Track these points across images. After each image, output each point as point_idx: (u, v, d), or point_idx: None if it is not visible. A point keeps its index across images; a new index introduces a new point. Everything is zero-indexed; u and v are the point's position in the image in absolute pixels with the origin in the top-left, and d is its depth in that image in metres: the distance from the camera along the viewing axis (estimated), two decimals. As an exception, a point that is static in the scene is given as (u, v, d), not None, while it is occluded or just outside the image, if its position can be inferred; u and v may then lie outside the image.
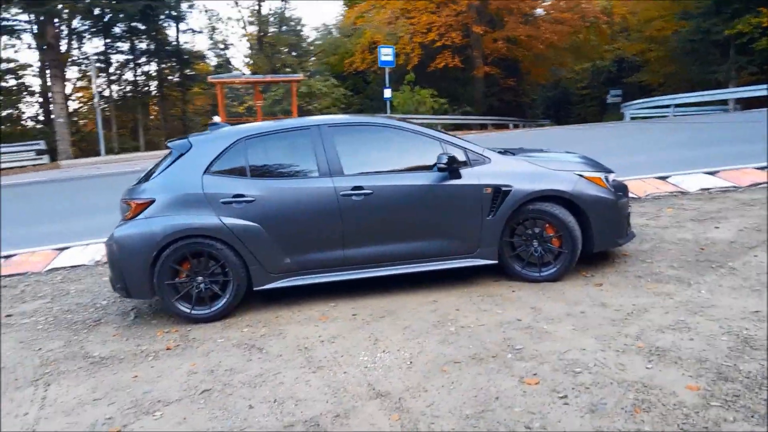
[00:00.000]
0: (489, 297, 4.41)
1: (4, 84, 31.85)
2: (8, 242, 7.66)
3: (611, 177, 4.98)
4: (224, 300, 4.48)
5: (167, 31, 31.53)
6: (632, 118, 24.27)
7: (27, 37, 29.64)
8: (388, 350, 3.63)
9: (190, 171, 4.54)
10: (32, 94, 32.25)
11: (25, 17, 27.82)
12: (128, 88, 32.13)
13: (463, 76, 32.04)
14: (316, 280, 4.58)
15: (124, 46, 30.68)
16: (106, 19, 27.98)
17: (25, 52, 31.43)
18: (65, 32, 30.55)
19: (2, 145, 20.25)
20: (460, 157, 4.58)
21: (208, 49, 34.64)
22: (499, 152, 4.87)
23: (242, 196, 4.44)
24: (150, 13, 27.37)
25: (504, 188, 4.53)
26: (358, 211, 4.49)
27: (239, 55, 36.69)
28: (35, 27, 26.38)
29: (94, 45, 31.67)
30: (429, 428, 2.73)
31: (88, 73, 30.94)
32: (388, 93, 23.56)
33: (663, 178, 8.13)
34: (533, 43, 30.14)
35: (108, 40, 29.82)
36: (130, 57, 31.04)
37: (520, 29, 28.38)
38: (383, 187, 4.53)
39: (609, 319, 3.78)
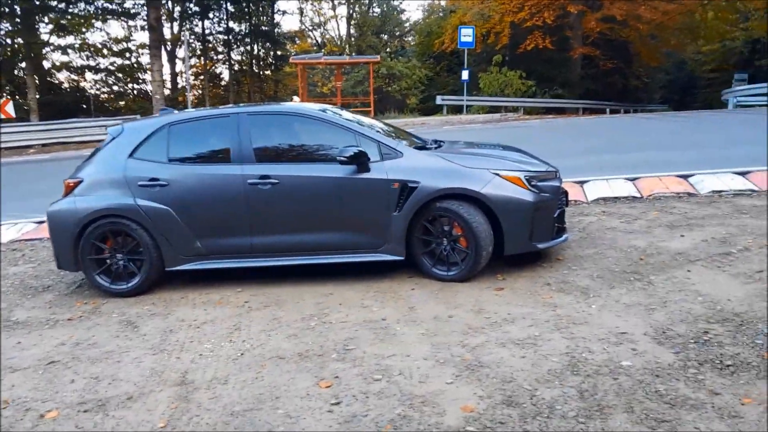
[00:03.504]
0: (383, 293, 4.32)
1: (126, 62, 35.16)
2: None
3: (556, 176, 4.70)
4: (138, 278, 4.73)
5: (261, 14, 32.88)
6: (737, 106, 21.95)
7: (140, 20, 32.20)
8: (235, 340, 3.69)
9: (117, 154, 4.81)
10: (144, 71, 34.94)
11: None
12: (222, 68, 34.01)
13: (558, 58, 30.52)
14: (224, 266, 4.71)
15: (221, 27, 32.44)
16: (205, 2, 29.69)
17: (141, 33, 34.00)
18: (176, 14, 32.98)
19: (102, 117, 22.26)
20: (371, 150, 4.48)
21: (298, 30, 35.70)
22: (417, 147, 4.70)
23: (157, 180, 4.64)
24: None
25: (411, 184, 4.38)
26: (264, 200, 4.55)
27: (334, 36, 37.18)
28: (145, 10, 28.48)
29: (196, 27, 33.55)
30: (190, 420, 2.79)
31: (197, 54, 33.36)
32: (465, 75, 23.06)
33: (685, 177, 7.38)
34: (635, 23, 27.99)
35: (207, 23, 31.67)
36: (226, 38, 32.73)
37: (615, 8, 26.40)
38: (291, 177, 4.54)
39: (467, 327, 3.58)
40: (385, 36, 38.56)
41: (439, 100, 23.84)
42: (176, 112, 5.22)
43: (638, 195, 6.85)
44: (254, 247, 4.65)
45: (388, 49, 33.05)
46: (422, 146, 4.77)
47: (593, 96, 30.17)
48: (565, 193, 4.91)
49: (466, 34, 23.01)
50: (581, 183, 7.55)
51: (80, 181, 4.79)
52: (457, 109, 24.85)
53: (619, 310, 3.66)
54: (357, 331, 3.67)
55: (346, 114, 5.07)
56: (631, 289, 3.99)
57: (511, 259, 4.64)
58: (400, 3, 36.80)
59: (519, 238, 4.41)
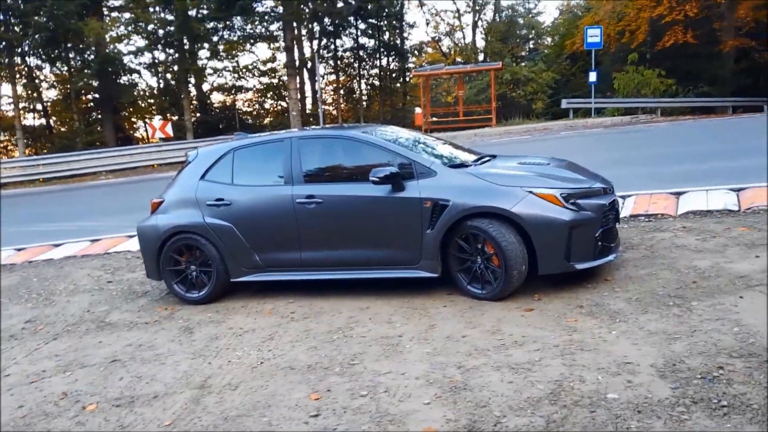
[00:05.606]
0: (413, 310, 4.44)
1: (272, 81, 38.22)
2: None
3: (605, 192, 4.57)
4: (207, 287, 5.29)
5: (391, 29, 33.93)
6: None
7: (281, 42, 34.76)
8: (262, 349, 4.03)
9: (192, 177, 5.43)
10: (286, 89, 37.52)
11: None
12: (353, 82, 35.48)
13: (704, 52, 27.90)
14: (278, 278, 5.11)
15: (350, 43, 34.01)
16: (333, 22, 31.37)
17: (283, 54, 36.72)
18: (315, 33, 35.17)
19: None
20: (405, 170, 4.63)
21: (428, 42, 36.25)
22: (452, 165, 4.74)
23: (221, 199, 5.17)
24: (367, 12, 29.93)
25: (442, 202, 4.45)
26: (311, 218, 4.88)
27: (460, 44, 37.26)
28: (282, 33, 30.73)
29: (331, 44, 35.38)
30: (190, 421, 3.14)
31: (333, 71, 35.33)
32: (592, 76, 22.05)
33: (800, 187, 6.57)
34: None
35: (338, 41, 33.38)
36: (357, 54, 34.18)
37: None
38: (333, 196, 4.82)
39: (473, 348, 3.59)
40: (518, 40, 37.84)
41: (564, 103, 22.98)
42: (246, 135, 5.73)
43: (736, 208, 6.23)
44: (303, 261, 4.99)
45: (522, 53, 32.33)
46: (459, 164, 4.81)
47: (748, 92, 27.14)
48: (615, 211, 4.66)
49: (593, 35, 22.04)
50: (677, 194, 7.03)
51: (162, 201, 5.47)
52: (587, 113, 23.75)
53: (638, 338, 3.45)
54: (370, 346, 3.84)
55: (391, 133, 5.25)
56: (665, 315, 3.73)
57: (556, 278, 4.53)
58: (536, 5, 35.98)
59: (553, 258, 4.29)
